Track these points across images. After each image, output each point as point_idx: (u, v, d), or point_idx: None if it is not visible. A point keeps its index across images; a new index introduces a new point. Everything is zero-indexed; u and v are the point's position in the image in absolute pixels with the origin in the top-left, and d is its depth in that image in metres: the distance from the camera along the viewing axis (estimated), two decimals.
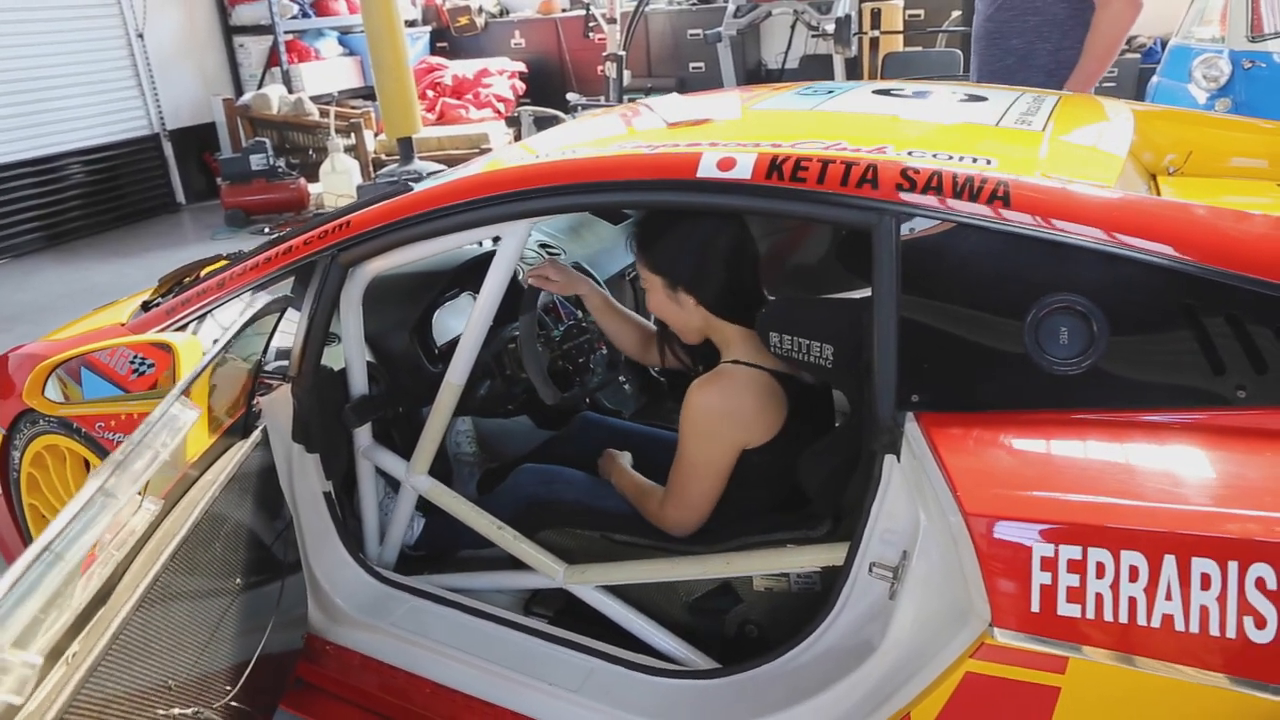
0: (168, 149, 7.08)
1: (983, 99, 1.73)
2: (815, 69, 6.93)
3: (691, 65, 8.08)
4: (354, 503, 1.91)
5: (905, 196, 1.22)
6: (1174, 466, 1.04)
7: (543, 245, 2.52)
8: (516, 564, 1.74)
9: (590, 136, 1.84)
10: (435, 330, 2.05)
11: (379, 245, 1.60)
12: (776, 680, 1.40)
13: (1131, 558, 0.96)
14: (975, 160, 1.27)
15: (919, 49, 5.95)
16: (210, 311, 1.81)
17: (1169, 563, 0.94)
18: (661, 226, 1.56)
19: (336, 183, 6.43)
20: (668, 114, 1.64)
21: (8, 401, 2.06)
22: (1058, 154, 1.40)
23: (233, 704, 1.40)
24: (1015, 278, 1.17)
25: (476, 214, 1.51)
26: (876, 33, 6.01)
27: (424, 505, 1.84)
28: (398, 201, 1.57)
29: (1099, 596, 0.97)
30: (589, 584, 1.66)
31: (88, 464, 1.91)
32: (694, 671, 1.54)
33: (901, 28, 6.36)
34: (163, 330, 1.81)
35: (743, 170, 1.32)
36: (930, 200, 1.20)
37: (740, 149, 1.36)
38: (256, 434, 1.59)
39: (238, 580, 1.50)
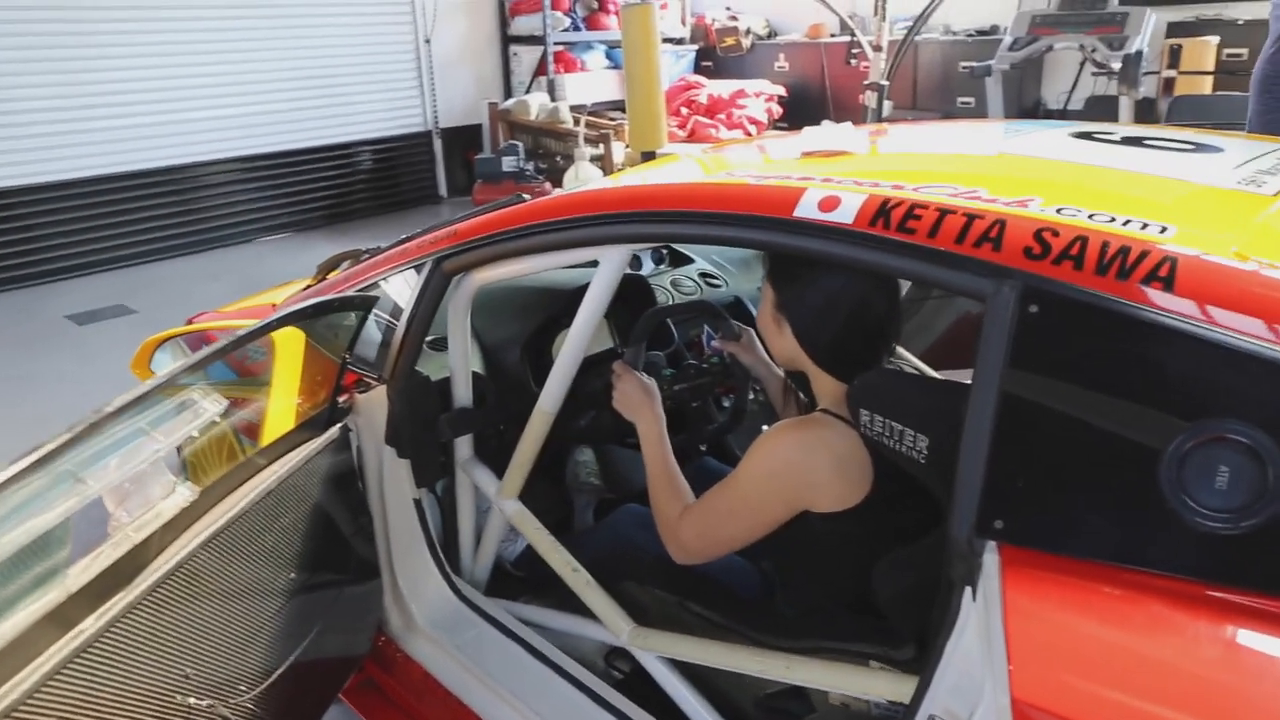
0: (437, 145, 7.66)
1: (1217, 149, 1.37)
2: (1102, 110, 6.21)
3: (960, 100, 7.54)
4: (453, 512, 1.87)
5: (1034, 264, 0.95)
6: None
7: (704, 275, 2.37)
8: (590, 611, 1.61)
9: (736, 160, 1.67)
10: (556, 351, 1.97)
11: (479, 256, 1.53)
12: None
13: None
14: (1146, 226, 0.97)
15: (1223, 94, 5.12)
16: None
17: None
18: None
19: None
20: (807, 142, 1.44)
21: None
22: None
23: (251, 704, 1.37)
24: (1164, 388, 0.87)
25: (569, 234, 1.40)
26: (1173, 73, 5.24)
27: None
28: (499, 214, 1.50)
29: None
30: (651, 651, 1.50)
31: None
32: None
33: (1211, 67, 5.51)
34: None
35: (845, 213, 1.10)
36: (1065, 271, 0.93)
37: (855, 188, 1.14)
38: (334, 430, 1.58)
39: (289, 576, 1.48)
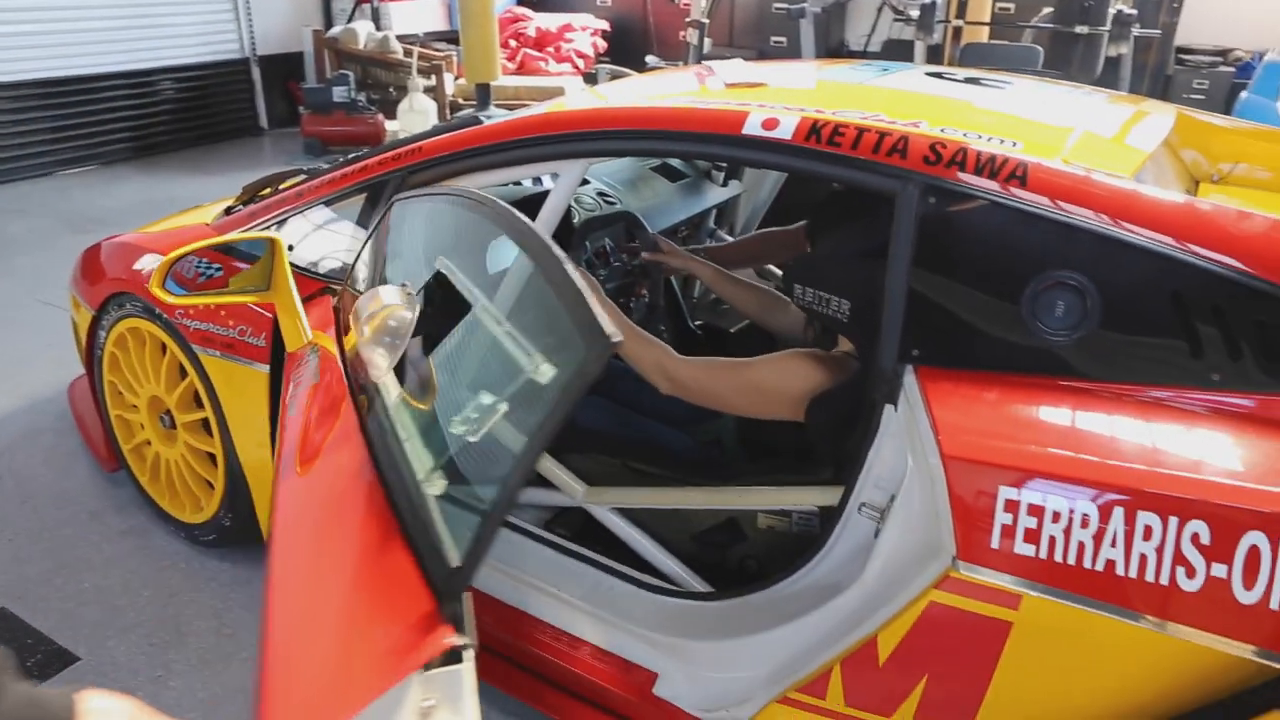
0: (255, 74, 7.31)
1: (1029, 90, 1.80)
2: (897, 53, 6.88)
3: (774, 39, 8.08)
4: None
5: (931, 168, 1.31)
6: (1134, 433, 1.13)
7: (600, 194, 2.63)
8: (543, 481, 1.87)
9: (654, 90, 1.95)
10: (490, 260, 2.18)
11: (446, 171, 1.73)
12: (765, 605, 1.52)
13: (1085, 507, 1.06)
14: (1002, 142, 1.35)
15: (1002, 43, 5.89)
16: (288, 218, 1.96)
17: (1117, 514, 1.04)
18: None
19: (413, 121, 6.61)
20: (728, 75, 1.74)
21: (99, 285, 2.25)
22: (1085, 144, 1.47)
23: None
24: (1021, 252, 1.27)
25: (537, 150, 1.63)
26: (960, 22, 5.96)
27: None
28: (467, 132, 1.70)
29: (1052, 540, 1.07)
30: (606, 505, 1.79)
31: (164, 347, 2.10)
32: (691, 593, 1.67)
33: (989, 19, 6.29)
34: (246, 230, 1.98)
35: (784, 131, 1.42)
36: (953, 174, 1.30)
37: (785, 112, 1.46)
38: None
39: None
